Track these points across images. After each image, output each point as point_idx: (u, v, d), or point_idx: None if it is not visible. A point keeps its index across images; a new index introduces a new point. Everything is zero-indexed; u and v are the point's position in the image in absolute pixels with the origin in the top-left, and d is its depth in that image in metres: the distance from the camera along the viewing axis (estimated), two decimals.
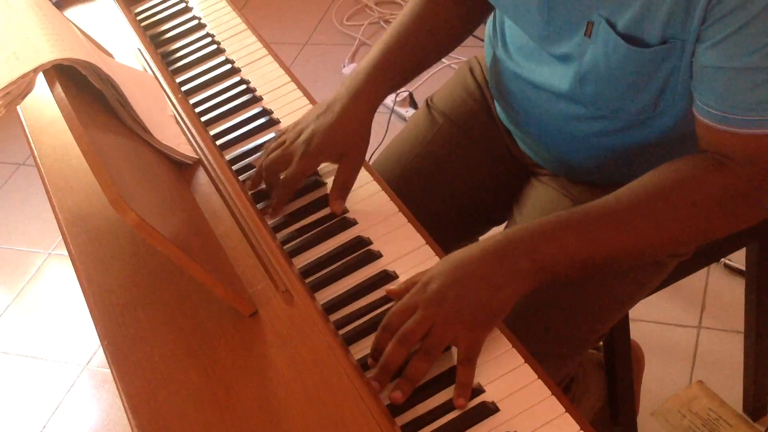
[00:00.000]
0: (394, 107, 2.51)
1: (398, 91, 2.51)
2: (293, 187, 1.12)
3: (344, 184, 1.12)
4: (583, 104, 1.08)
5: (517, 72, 1.15)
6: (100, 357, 2.16)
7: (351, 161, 1.13)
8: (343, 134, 1.12)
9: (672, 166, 0.96)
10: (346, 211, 1.11)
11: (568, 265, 0.93)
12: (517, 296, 0.92)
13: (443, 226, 1.29)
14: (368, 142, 1.15)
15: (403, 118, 2.52)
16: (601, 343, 1.34)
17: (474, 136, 1.31)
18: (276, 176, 1.13)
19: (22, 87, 1.01)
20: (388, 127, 2.31)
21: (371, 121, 1.16)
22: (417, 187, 1.29)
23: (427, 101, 1.38)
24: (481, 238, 1.39)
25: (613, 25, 0.96)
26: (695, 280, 1.88)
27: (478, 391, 0.89)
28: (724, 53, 0.89)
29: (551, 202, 1.20)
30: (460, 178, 1.31)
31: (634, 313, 1.30)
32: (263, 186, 1.16)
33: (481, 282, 0.91)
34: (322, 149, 1.11)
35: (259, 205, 1.14)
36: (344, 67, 2.77)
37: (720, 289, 1.90)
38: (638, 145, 1.10)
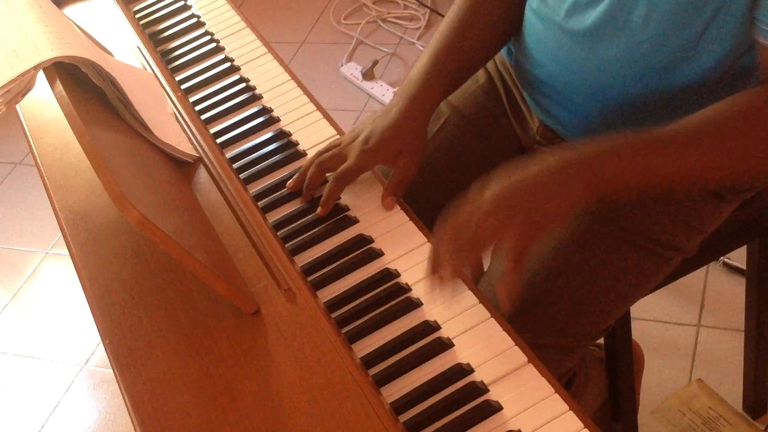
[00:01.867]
0: None
1: (396, 90, 2.53)
2: (346, 182, 1.11)
3: (400, 183, 1.12)
4: (627, 39, 1.07)
5: (555, 20, 1.15)
6: (98, 357, 2.16)
7: (407, 160, 1.13)
8: (400, 135, 1.13)
9: (736, 97, 0.98)
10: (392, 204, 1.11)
11: (631, 184, 0.95)
12: (574, 207, 0.94)
13: None
14: (425, 143, 1.16)
15: None
16: (602, 340, 1.34)
17: (481, 127, 1.31)
18: (323, 175, 1.13)
19: (22, 85, 1.01)
20: None
21: (428, 123, 1.16)
22: (422, 179, 1.29)
23: None
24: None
25: None
26: (694, 278, 1.88)
27: (482, 390, 0.88)
28: None
29: None
30: (466, 170, 1.30)
31: (633, 311, 1.30)
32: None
33: (536, 192, 0.93)
34: (379, 148, 1.12)
35: (261, 203, 1.13)
36: (342, 65, 2.77)
37: (719, 287, 1.90)
38: (669, 93, 1.10)
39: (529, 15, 1.21)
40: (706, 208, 1.18)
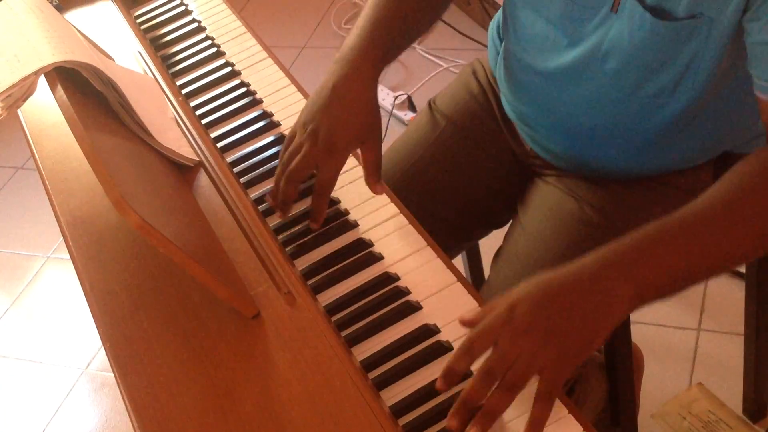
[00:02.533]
0: (393, 110, 2.51)
1: (396, 94, 2.53)
2: (329, 192, 1.08)
3: (374, 164, 1.09)
4: (601, 85, 1.07)
5: (528, 62, 1.15)
6: (99, 361, 2.16)
7: (373, 143, 1.10)
8: (359, 122, 1.09)
9: (750, 161, 0.92)
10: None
11: (669, 283, 0.86)
12: (613, 324, 0.84)
13: (445, 229, 1.29)
14: (381, 117, 1.12)
15: (402, 122, 2.52)
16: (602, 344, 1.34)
17: (477, 138, 1.32)
18: (296, 187, 1.08)
19: (23, 89, 1.02)
20: (386, 131, 2.31)
21: (377, 95, 1.12)
22: (419, 189, 1.29)
23: (429, 103, 1.38)
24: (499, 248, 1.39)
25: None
26: None
27: None
28: None
29: (557, 203, 1.20)
30: (462, 181, 1.31)
31: (633, 315, 1.29)
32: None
33: (574, 310, 0.83)
34: (346, 144, 1.08)
35: (261, 207, 1.14)
36: None
37: (719, 291, 1.90)
38: (650, 132, 1.10)
39: (507, 56, 1.22)
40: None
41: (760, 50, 0.93)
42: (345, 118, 1.08)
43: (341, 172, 1.09)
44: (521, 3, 1.14)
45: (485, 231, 1.38)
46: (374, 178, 1.09)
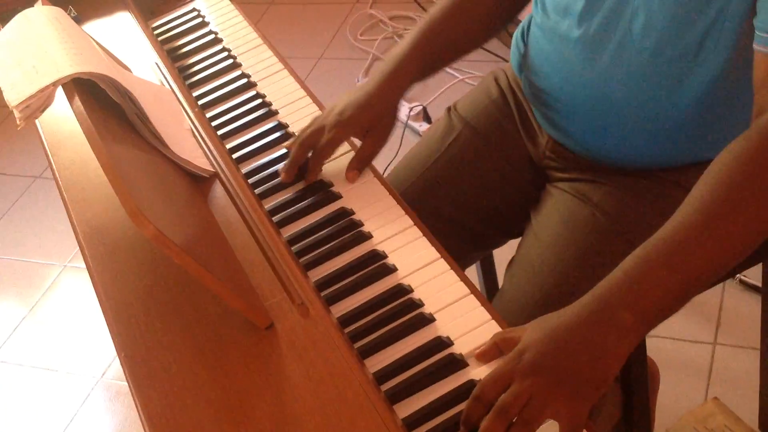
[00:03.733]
0: (408, 121, 2.51)
1: (412, 105, 2.54)
2: (324, 157, 1.17)
3: (365, 157, 1.17)
4: (624, 50, 1.07)
5: (554, 28, 1.17)
6: (115, 370, 2.17)
7: (376, 136, 1.18)
8: (372, 110, 1.18)
9: (722, 157, 0.90)
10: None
11: (671, 301, 0.86)
12: (623, 357, 0.84)
13: (460, 234, 1.29)
14: (395, 120, 1.21)
15: (417, 133, 2.53)
16: None
17: (494, 141, 1.32)
18: (306, 152, 1.18)
19: (41, 100, 1.02)
20: (401, 142, 2.31)
21: (399, 101, 1.21)
22: (434, 192, 1.30)
23: (448, 109, 1.40)
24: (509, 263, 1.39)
25: None
26: (710, 296, 1.87)
27: None
28: None
29: (569, 210, 1.20)
30: (477, 185, 1.31)
31: None
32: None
33: (581, 348, 0.84)
34: (352, 122, 1.17)
35: (276, 218, 1.14)
36: (358, 81, 2.78)
37: (735, 305, 1.89)
38: (670, 105, 1.09)
39: (533, 29, 1.23)
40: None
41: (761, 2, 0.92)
42: (361, 102, 1.18)
43: (355, 182, 1.15)
44: None
45: (502, 239, 1.38)
46: (356, 165, 1.16)
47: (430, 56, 1.23)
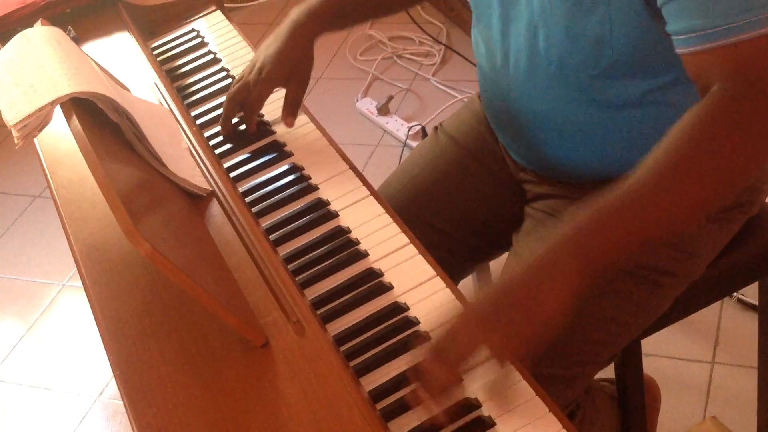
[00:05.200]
0: (407, 141, 2.52)
1: (411, 125, 2.55)
2: (255, 111, 1.31)
3: (293, 103, 1.30)
4: (536, 60, 1.11)
5: (487, 53, 1.21)
6: (113, 389, 2.16)
7: (296, 82, 1.31)
8: (288, 62, 1.30)
9: (680, 120, 0.92)
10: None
11: (619, 254, 0.89)
12: (564, 300, 0.86)
13: (452, 246, 1.30)
14: (311, 65, 1.32)
15: None
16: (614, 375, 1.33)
17: (477, 155, 1.35)
18: (236, 107, 1.31)
19: (39, 119, 1.03)
20: (400, 161, 2.32)
21: (312, 46, 1.32)
22: (425, 205, 1.32)
23: (435, 127, 1.43)
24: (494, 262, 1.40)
25: None
26: (708, 315, 1.87)
27: (489, 423, 0.88)
28: None
29: (545, 227, 1.22)
30: (465, 199, 1.33)
31: (646, 347, 1.30)
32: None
33: (521, 288, 0.87)
34: (271, 77, 1.29)
35: (272, 236, 1.14)
36: (357, 101, 2.79)
37: (733, 324, 1.89)
38: (594, 115, 1.12)
39: (478, 64, 1.27)
40: (693, 230, 1.16)
41: (666, 9, 0.94)
42: (277, 55, 1.29)
43: (351, 202, 1.16)
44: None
45: (495, 252, 1.40)
46: (288, 112, 1.30)
47: (341, 9, 1.33)
